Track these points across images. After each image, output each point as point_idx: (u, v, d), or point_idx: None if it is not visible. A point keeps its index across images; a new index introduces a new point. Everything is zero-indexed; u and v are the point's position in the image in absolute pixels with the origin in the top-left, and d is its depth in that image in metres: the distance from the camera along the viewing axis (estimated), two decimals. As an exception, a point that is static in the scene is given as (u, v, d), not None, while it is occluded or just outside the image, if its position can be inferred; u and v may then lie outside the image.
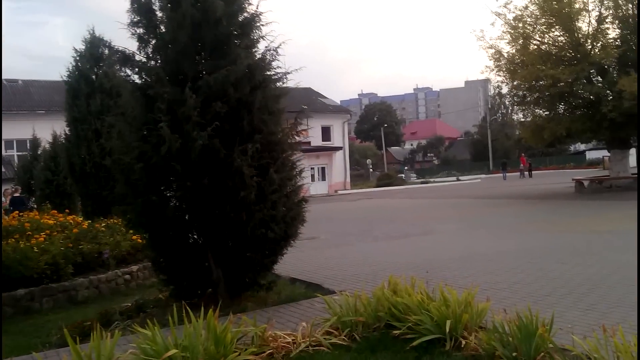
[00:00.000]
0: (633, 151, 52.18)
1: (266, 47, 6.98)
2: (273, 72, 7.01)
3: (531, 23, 22.66)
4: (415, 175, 61.42)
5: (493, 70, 23.85)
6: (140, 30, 6.54)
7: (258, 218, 6.39)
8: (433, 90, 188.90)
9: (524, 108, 24.62)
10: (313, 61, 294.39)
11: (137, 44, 6.58)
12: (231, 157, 6.17)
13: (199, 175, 6.17)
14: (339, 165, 38.87)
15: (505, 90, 25.02)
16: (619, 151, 23.67)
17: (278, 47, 6.98)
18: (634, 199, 18.76)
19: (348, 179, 41.36)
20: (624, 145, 23.67)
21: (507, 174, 44.55)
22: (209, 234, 6.59)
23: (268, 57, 6.93)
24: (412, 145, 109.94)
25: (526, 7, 22.71)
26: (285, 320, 5.89)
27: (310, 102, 41.65)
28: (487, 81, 24.39)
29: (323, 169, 36.57)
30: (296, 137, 7.37)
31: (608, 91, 21.64)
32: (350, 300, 5.36)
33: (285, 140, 6.85)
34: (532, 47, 22.75)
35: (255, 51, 6.70)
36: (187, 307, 4.87)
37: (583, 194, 22.91)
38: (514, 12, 22.96)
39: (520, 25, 22.57)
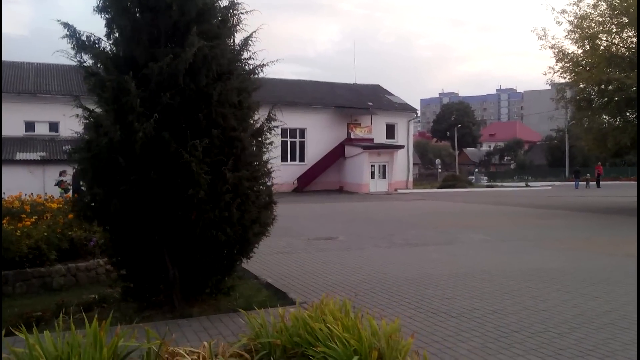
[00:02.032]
0: None
1: (246, 37, 6.50)
2: (245, 64, 6.52)
3: (600, 22, 20.62)
4: (485, 178, 58.79)
5: (557, 71, 22.00)
6: (108, 16, 6.20)
7: (208, 219, 5.90)
8: (517, 91, 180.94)
9: (588, 114, 22.51)
10: (399, 58, 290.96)
11: (106, 29, 6.25)
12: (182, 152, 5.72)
13: (145, 170, 5.75)
14: (401, 164, 37.72)
15: (569, 94, 22.86)
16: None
17: (249, 37, 6.47)
18: None
19: (411, 178, 40.10)
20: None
21: (580, 183, 41.80)
22: (163, 231, 6.18)
23: (238, 47, 6.43)
24: (489, 147, 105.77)
25: (596, 5, 20.71)
26: (216, 333, 5.37)
27: (376, 99, 40.79)
28: (574, 83, 22.31)
29: (384, 166, 35.59)
30: (268, 134, 6.76)
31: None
32: (272, 320, 4.74)
33: (247, 137, 6.22)
34: (599, 48, 20.72)
35: (219, 41, 6.14)
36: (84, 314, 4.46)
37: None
38: (581, 10, 21.05)
39: (586, 24, 20.58)
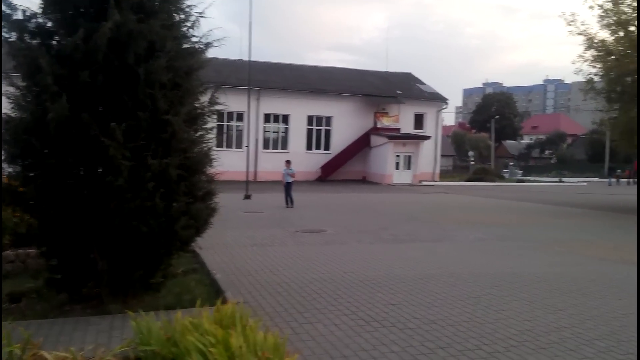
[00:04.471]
0: None
1: (188, 15, 6.08)
2: (186, 43, 6.10)
3: (634, 7, 19.11)
4: (520, 172, 56.74)
5: (587, 60, 20.61)
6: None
7: (129, 209, 5.53)
8: (565, 82, 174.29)
9: (618, 106, 21.08)
10: (444, 47, 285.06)
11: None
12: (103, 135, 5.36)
13: (62, 153, 5.42)
14: (428, 155, 36.63)
15: (599, 84, 21.35)
16: None
17: (190, 16, 6.03)
18: None
19: (437, 170, 38.89)
20: None
21: (619, 180, 40.31)
22: (89, 221, 5.86)
23: (176, 25, 6.00)
24: (531, 139, 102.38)
25: None
26: (119, 334, 5.02)
27: (406, 88, 39.73)
28: (604, 73, 20.92)
29: (409, 157, 34.63)
30: (207, 118, 6.31)
31: None
32: (155, 326, 4.33)
33: (179, 121, 5.75)
34: (633, 35, 19.26)
35: (156, 17, 5.67)
36: None
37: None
38: None
39: (619, 9, 19.13)
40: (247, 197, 19.69)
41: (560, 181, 43.26)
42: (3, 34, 5.63)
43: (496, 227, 13.65)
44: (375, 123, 36.10)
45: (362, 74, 40.78)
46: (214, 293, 6.54)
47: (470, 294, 6.78)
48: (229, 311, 4.45)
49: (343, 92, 36.06)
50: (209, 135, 6.42)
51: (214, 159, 6.38)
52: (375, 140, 35.22)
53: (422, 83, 41.68)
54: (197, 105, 6.27)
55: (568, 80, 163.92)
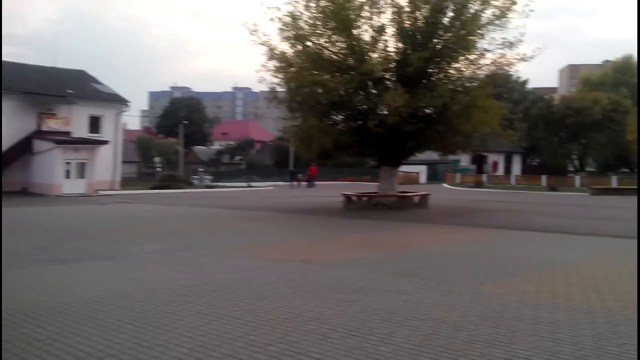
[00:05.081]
0: (422, 168, 55.78)
1: None
2: None
3: (310, 24, 21.40)
4: (210, 178, 58.88)
5: (270, 70, 22.21)
6: None
7: None
8: (253, 91, 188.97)
9: (298, 115, 23.42)
10: (127, 46, 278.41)
11: None
12: None
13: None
14: (106, 162, 34.72)
15: (282, 93, 23.42)
16: (389, 168, 23.65)
17: None
18: (395, 219, 18.48)
19: (118, 178, 37.24)
20: (394, 162, 23.70)
21: (295, 183, 45.41)
22: None
23: None
24: (221, 146, 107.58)
25: (307, 6, 21.38)
26: None
27: (80, 87, 36.97)
28: (285, 83, 22.62)
29: (83, 164, 32.22)
30: None
31: (381, 105, 21.28)
32: None
33: None
34: (309, 49, 21.58)
35: None
36: None
37: (350, 210, 22.43)
38: (294, 10, 21.45)
39: (298, 24, 21.17)
40: None
41: (249, 186, 46.33)
42: None
43: (178, 237, 13.41)
44: (39, 125, 32.53)
45: (22, 68, 36.41)
46: None
47: (140, 315, 6.19)
48: None
49: (-6, 88, 31.50)
50: None
51: None
52: (39, 145, 31.74)
53: (99, 82, 39.42)
54: None
55: (256, 89, 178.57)
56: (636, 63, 67.60)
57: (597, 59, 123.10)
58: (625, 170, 55.68)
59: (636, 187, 35.72)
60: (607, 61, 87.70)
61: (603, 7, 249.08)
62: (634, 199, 29.28)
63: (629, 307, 6.46)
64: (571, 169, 57.50)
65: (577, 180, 45.03)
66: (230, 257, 10.47)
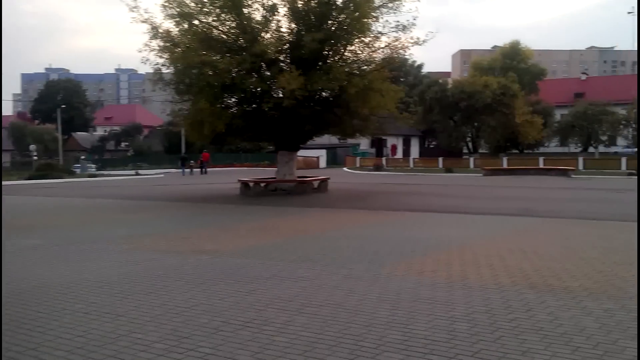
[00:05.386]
0: (322, 152, 56.39)
1: None
2: None
3: (196, 1, 20.72)
4: (94, 166, 56.23)
5: (154, 50, 21.31)
6: None
7: None
8: (138, 72, 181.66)
9: (187, 98, 22.74)
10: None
11: None
12: None
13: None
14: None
15: (168, 75, 22.56)
16: (287, 153, 23.64)
17: None
18: (293, 204, 18.49)
19: (-14, 169, 34.66)
20: (292, 147, 23.70)
21: (187, 170, 45.49)
22: None
23: None
24: (105, 131, 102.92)
25: None
26: None
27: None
28: (171, 64, 21.66)
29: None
30: None
31: (275, 88, 21.09)
32: None
33: None
34: (197, 28, 20.93)
35: None
36: None
37: (247, 197, 22.22)
38: None
39: (181, 0, 20.43)
40: None
41: (137, 174, 44.69)
42: None
43: (58, 230, 12.63)
44: None
45: None
46: None
47: (9, 318, 5.70)
48: None
49: None
50: None
51: None
52: None
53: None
54: None
55: (142, 71, 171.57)
56: (523, 49, 72.44)
57: (486, 45, 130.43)
58: (515, 151, 59.54)
59: (524, 167, 38.35)
60: (495, 47, 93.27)
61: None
62: (524, 178, 31.39)
63: (519, 282, 6.83)
64: (466, 151, 60.56)
65: (472, 161, 47.41)
66: (115, 250, 9.97)
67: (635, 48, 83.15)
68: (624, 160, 39.73)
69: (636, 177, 31.37)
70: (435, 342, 4.70)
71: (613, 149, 58.62)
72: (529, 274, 7.28)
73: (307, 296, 6.32)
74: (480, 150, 59.57)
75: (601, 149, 58.62)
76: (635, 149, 52.67)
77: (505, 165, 42.04)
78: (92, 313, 5.90)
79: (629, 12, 63.53)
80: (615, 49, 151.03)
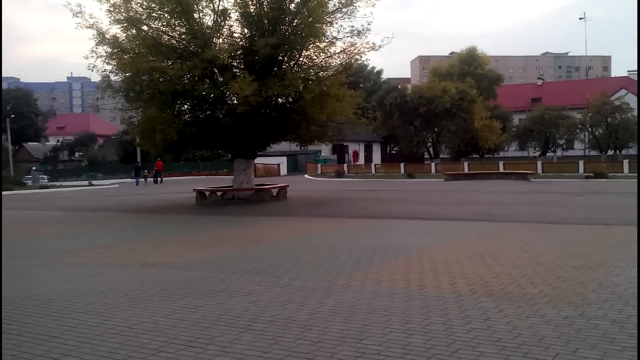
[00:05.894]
0: (283, 160, 56.02)
1: None
2: None
3: (145, 6, 20.21)
4: (46, 177, 54.67)
5: (101, 56, 20.69)
6: None
7: None
8: (92, 81, 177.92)
9: (137, 106, 22.18)
10: None
11: None
12: None
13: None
14: None
15: (117, 82, 21.97)
16: (243, 160, 23.27)
17: None
18: (250, 213, 18.13)
19: None
20: (248, 154, 23.33)
21: (141, 180, 44.56)
22: None
23: None
24: (58, 141, 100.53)
25: None
26: None
27: None
28: (119, 70, 21.04)
29: None
30: None
31: (229, 93, 20.73)
32: None
33: None
34: (145, 34, 20.44)
35: None
36: None
37: (203, 207, 21.79)
38: None
39: (131, 6, 19.89)
40: None
41: (90, 184, 43.61)
42: None
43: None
44: None
45: None
46: None
47: None
48: None
49: None
50: None
51: None
52: None
53: None
54: None
55: (95, 79, 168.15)
56: (479, 55, 73.65)
57: (444, 51, 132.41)
58: (476, 156, 60.35)
59: (485, 171, 38.78)
60: (453, 53, 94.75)
61: (444, 2, 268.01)
62: (485, 182, 31.69)
63: (477, 289, 6.68)
64: (427, 156, 61.10)
65: (433, 167, 47.78)
66: (58, 265, 9.50)
67: (586, 54, 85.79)
68: (581, 163, 40.53)
69: (594, 179, 32.07)
70: (388, 358, 4.47)
71: (571, 152, 59.93)
72: (487, 280, 7.15)
73: (257, 311, 6.03)
74: (441, 156, 60.20)
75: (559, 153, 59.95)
76: (590, 153, 54.06)
77: (466, 170, 42.45)
78: (25, 335, 5.50)
79: (581, 19, 65.12)
80: (570, 54, 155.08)
